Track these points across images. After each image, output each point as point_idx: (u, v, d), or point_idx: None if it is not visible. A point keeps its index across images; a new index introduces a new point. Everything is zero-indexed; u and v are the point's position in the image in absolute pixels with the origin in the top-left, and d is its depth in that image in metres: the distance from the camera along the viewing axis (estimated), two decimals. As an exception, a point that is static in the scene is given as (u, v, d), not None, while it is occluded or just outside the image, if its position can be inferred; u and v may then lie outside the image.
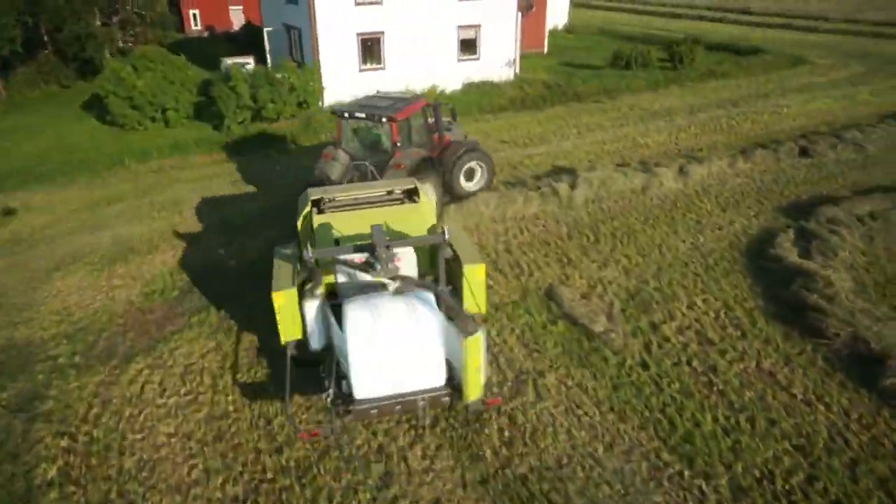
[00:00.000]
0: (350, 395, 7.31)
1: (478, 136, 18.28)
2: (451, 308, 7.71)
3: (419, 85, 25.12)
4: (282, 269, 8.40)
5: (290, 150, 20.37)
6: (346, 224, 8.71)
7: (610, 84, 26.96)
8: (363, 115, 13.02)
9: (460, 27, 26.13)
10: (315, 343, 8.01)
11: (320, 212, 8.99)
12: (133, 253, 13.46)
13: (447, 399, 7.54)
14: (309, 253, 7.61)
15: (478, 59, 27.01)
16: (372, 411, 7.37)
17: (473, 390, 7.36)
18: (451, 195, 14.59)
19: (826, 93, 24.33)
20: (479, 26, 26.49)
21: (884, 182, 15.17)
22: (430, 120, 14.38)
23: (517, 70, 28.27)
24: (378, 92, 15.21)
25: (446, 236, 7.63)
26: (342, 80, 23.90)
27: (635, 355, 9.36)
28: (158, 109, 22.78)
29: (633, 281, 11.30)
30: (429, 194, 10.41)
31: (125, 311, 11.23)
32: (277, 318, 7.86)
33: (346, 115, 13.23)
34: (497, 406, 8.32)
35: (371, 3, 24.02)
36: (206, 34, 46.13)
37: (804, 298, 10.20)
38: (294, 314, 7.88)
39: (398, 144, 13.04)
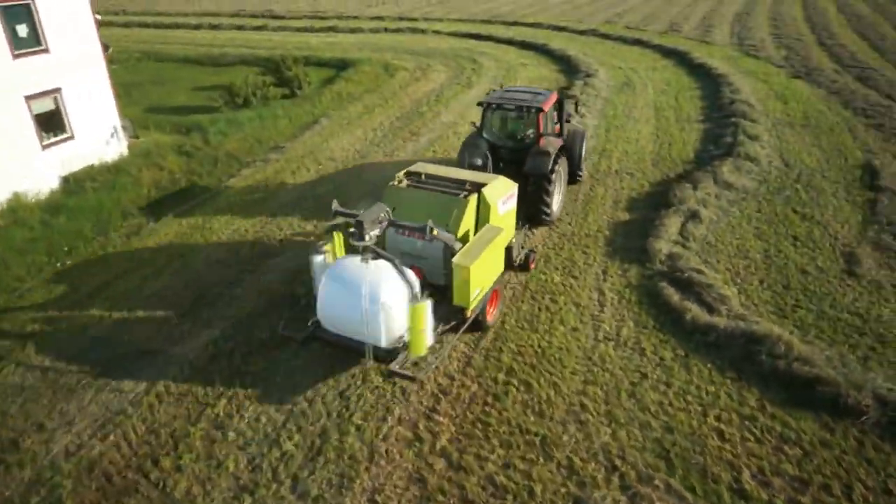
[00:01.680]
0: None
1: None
2: (405, 278, 9.15)
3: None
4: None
5: None
6: (406, 197, 10.67)
7: (256, 132, 21.89)
8: (512, 107, 14.24)
9: (30, 98, 16.80)
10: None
11: (399, 183, 11.06)
12: None
13: (385, 358, 9.21)
14: (335, 207, 9.80)
15: (72, 137, 18.11)
16: (331, 340, 9.64)
17: (416, 349, 9.02)
18: (573, 179, 16.39)
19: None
20: (59, 90, 17.56)
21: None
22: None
23: (130, 137, 20.29)
24: (505, 87, 16.03)
25: (427, 231, 9.17)
26: None
27: None
28: None
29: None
30: (492, 195, 10.89)
31: None
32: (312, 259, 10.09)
33: (494, 105, 14.39)
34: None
35: None
36: None
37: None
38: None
39: (543, 133, 14.33)
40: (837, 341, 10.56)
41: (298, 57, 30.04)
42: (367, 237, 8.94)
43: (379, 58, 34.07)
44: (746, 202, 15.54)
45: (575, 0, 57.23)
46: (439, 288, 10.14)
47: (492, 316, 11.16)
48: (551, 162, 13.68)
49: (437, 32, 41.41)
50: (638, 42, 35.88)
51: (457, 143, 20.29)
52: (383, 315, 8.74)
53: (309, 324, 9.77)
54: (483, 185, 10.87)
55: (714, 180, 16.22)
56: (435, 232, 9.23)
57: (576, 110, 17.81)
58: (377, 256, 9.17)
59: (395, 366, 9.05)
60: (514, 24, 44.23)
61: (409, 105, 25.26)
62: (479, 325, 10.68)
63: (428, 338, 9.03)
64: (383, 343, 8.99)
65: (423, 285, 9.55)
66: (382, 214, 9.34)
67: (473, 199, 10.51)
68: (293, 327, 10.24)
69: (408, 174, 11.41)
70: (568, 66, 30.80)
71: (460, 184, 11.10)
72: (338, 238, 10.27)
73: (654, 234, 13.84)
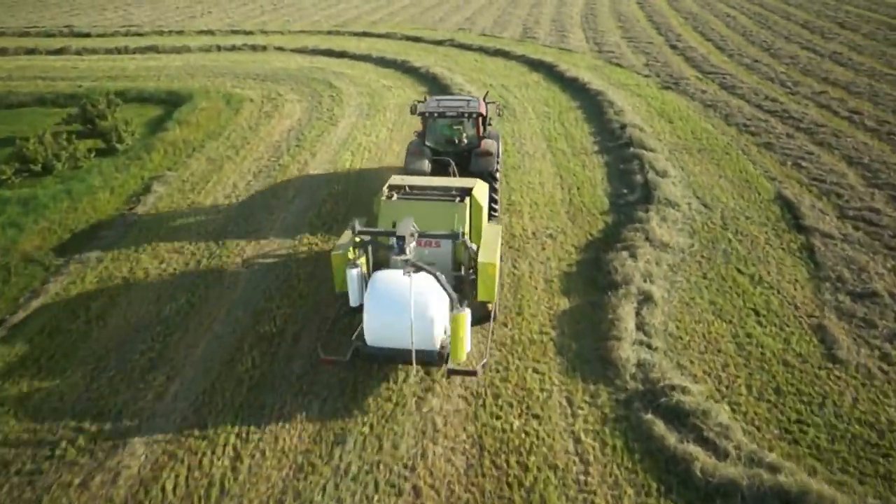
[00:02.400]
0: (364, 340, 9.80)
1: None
2: (446, 290, 9.57)
3: None
4: (344, 237, 11.06)
5: None
6: (403, 210, 10.80)
7: (64, 217, 16.42)
8: (454, 114, 15.08)
9: None
10: (353, 301, 10.25)
11: (388, 198, 11.41)
12: None
13: (438, 361, 9.77)
14: (357, 227, 10.15)
15: None
16: (377, 355, 9.91)
17: (458, 355, 9.53)
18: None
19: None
20: None
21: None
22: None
23: None
24: (433, 97, 17.11)
25: (460, 235, 10.23)
26: None
27: None
28: None
29: None
30: (480, 196, 11.49)
31: None
32: (333, 272, 10.60)
33: (435, 114, 15.08)
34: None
35: None
36: None
37: None
38: (342, 272, 10.33)
39: (482, 136, 15.31)
40: (866, 472, 8.71)
41: (113, 94, 24.14)
42: (407, 251, 9.41)
43: (217, 86, 28.86)
44: (687, 265, 13.64)
45: (421, 3, 54.61)
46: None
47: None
48: (495, 161, 14.81)
49: (280, 49, 36.53)
50: (500, 53, 33.90)
51: (338, 207, 16.61)
52: (433, 324, 9.29)
53: (353, 338, 10.24)
54: (468, 188, 11.63)
55: (647, 239, 14.16)
56: (465, 237, 10.35)
57: (499, 115, 18.03)
58: (418, 269, 9.46)
59: (451, 364, 9.75)
60: (365, 34, 40.44)
61: (265, 153, 20.88)
62: (487, 316, 11.24)
63: (467, 343, 9.64)
64: (435, 346, 9.55)
65: None
66: (412, 227, 9.78)
67: (467, 202, 11.25)
68: (329, 350, 10.71)
69: (390, 188, 11.95)
70: (436, 86, 27.94)
71: (446, 190, 11.88)
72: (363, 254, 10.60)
73: (609, 332, 11.33)
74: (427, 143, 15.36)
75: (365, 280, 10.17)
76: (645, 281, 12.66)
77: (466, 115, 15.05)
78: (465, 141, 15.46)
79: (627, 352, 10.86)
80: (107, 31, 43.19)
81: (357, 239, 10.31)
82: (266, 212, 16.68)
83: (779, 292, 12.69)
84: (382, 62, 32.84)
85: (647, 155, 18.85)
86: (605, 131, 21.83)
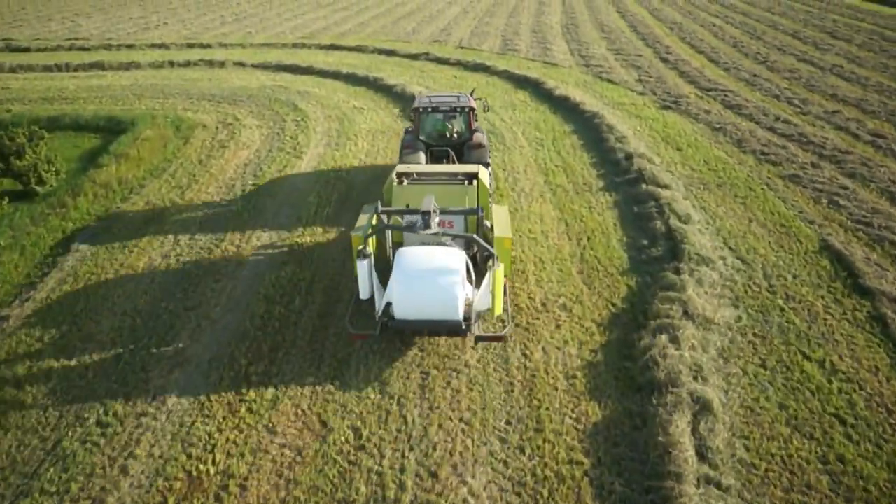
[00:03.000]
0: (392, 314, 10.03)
1: None
2: (485, 248, 10.04)
3: None
4: (362, 219, 11.43)
5: None
6: (415, 194, 11.40)
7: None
8: (447, 108, 15.71)
9: None
10: (363, 293, 10.30)
11: (399, 183, 11.89)
12: None
13: (463, 330, 9.97)
14: (380, 207, 10.86)
15: None
16: (404, 328, 10.18)
17: (497, 309, 10.10)
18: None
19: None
20: None
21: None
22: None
23: None
24: (424, 93, 19.44)
25: (480, 212, 10.86)
26: None
27: None
28: None
29: None
30: (487, 179, 12.27)
31: None
32: (353, 252, 10.50)
33: (429, 109, 15.71)
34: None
35: None
36: None
37: None
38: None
39: (474, 129, 15.92)
40: None
41: (38, 125, 20.60)
42: (433, 225, 9.89)
43: (166, 109, 25.47)
44: (740, 348, 10.88)
45: (393, 12, 51.62)
46: None
47: None
48: (487, 152, 15.48)
49: (240, 65, 33.15)
50: (481, 68, 31.10)
51: (302, 271, 13.51)
52: (457, 294, 9.55)
53: (379, 317, 10.20)
54: (473, 173, 12.09)
55: (686, 314, 11.37)
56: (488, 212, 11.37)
57: (485, 111, 18.23)
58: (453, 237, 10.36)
59: (478, 331, 10.28)
60: (333, 47, 37.27)
61: (216, 195, 17.65)
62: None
63: (501, 301, 10.10)
64: (460, 316, 9.72)
65: None
66: (434, 204, 10.08)
67: (476, 185, 11.77)
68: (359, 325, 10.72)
69: (399, 175, 12.13)
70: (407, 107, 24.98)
71: (453, 175, 12.28)
72: (371, 241, 10.73)
73: (662, 465, 8.48)
74: (420, 138, 15.82)
75: (373, 272, 10.35)
76: (696, 378, 9.85)
77: (458, 109, 15.72)
78: (457, 134, 16.01)
79: (688, 489, 8.04)
80: (49, 45, 39.15)
81: (375, 220, 11.08)
82: (211, 278, 13.49)
83: (860, 387, 10.01)
84: (353, 79, 29.74)
85: (663, 193, 16.16)
86: (609, 162, 19.11)
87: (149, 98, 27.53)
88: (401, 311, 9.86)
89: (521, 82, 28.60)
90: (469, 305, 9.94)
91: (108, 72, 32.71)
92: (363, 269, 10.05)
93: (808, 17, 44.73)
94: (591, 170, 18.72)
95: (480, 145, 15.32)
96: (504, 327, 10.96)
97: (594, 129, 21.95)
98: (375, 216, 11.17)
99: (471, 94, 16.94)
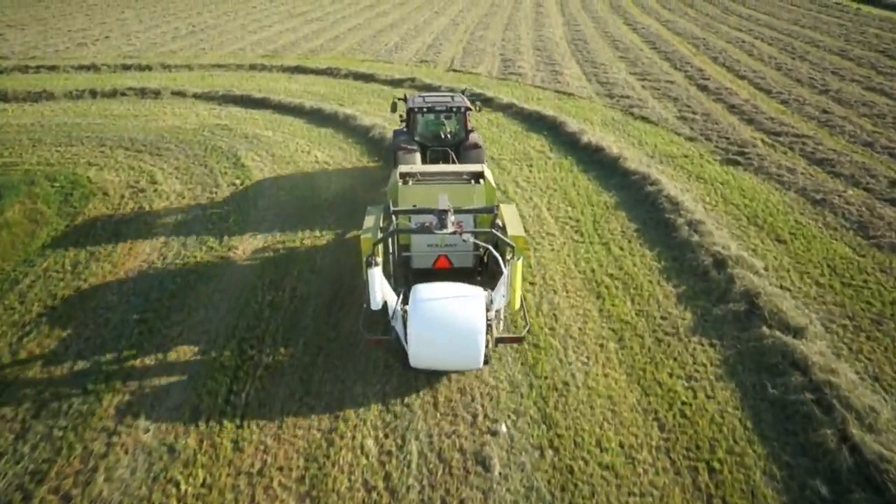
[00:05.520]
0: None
1: None
2: (504, 240, 9.36)
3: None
4: (368, 221, 10.61)
5: None
6: (422, 194, 10.82)
7: None
8: (442, 108, 14.94)
9: None
10: (374, 304, 8.97)
11: (405, 184, 11.16)
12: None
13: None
14: (392, 208, 10.51)
15: None
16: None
17: (515, 303, 9.10)
18: None
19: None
20: None
21: None
22: None
23: None
24: (416, 95, 16.74)
25: (496, 209, 10.53)
26: None
27: None
28: None
29: None
30: (491, 178, 11.49)
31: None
32: (362, 255, 9.45)
33: (424, 109, 14.89)
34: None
35: None
36: None
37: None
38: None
39: (469, 130, 15.14)
40: None
41: None
42: (449, 224, 9.11)
43: (65, 162, 18.55)
44: None
45: (372, 24, 44.62)
46: (467, 271, 10.70)
47: None
48: (484, 154, 14.90)
49: (179, 94, 26.10)
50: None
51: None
52: (480, 341, 8.73)
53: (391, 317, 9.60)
54: (478, 172, 11.54)
55: None
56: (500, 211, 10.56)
57: (478, 111, 16.53)
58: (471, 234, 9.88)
59: (498, 334, 9.60)
60: (299, 70, 30.21)
61: (84, 350, 10.80)
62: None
63: (519, 294, 9.26)
64: (481, 364, 8.99)
65: (452, 272, 10.46)
66: (449, 203, 9.44)
67: (483, 184, 11.12)
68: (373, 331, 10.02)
69: (402, 175, 11.49)
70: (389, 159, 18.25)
71: (457, 174, 11.67)
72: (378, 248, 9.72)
73: None
74: (416, 138, 15.13)
75: (384, 279, 9.28)
76: None
77: (454, 109, 15.00)
78: (452, 135, 15.29)
79: None
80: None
81: (383, 224, 10.61)
82: None
83: None
84: (318, 118, 22.77)
85: (805, 352, 9.55)
86: (689, 271, 12.41)
87: (49, 144, 20.46)
88: (417, 361, 9.02)
89: (534, 122, 21.93)
90: (488, 344, 9.09)
91: (8, 104, 25.44)
92: (374, 278, 8.84)
93: (845, 31, 38.48)
94: (664, 285, 12.07)
95: (477, 146, 14.75)
96: (524, 326, 9.99)
97: (648, 203, 15.37)
98: (384, 217, 10.79)
99: (463, 93, 16.51)
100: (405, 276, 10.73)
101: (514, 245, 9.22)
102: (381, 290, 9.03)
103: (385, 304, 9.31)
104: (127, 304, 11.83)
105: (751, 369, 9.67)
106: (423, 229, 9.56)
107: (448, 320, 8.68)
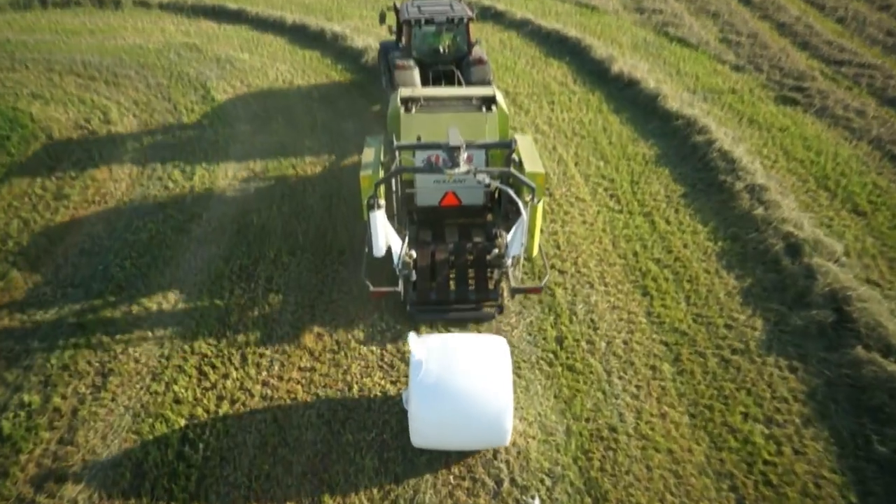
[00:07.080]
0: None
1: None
2: (524, 181, 7.97)
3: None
4: (368, 154, 9.12)
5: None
6: (428, 123, 9.33)
7: None
8: (442, 20, 13.02)
9: None
10: (377, 251, 8.03)
11: (407, 111, 9.59)
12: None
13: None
14: (395, 143, 8.72)
15: None
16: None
17: (533, 250, 8.48)
18: None
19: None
20: None
21: None
22: None
23: None
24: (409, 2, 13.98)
25: (514, 144, 8.84)
26: None
27: None
28: None
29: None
30: (504, 104, 10.06)
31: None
32: (362, 195, 8.33)
33: (422, 21, 12.97)
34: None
35: None
36: None
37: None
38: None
39: (472, 43, 13.41)
40: None
41: None
42: (461, 163, 7.76)
43: (6, 92, 15.49)
44: None
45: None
46: (477, 209, 9.71)
47: None
48: (490, 70, 13.35)
49: (143, 5, 22.18)
50: (490, 14, 20.47)
51: None
52: (506, 418, 6.60)
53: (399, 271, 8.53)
54: (489, 96, 10.00)
55: None
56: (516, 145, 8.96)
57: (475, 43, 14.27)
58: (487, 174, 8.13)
59: (514, 283, 8.61)
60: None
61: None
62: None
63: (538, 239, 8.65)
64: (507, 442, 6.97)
65: (460, 210, 9.54)
66: (460, 138, 7.92)
67: (495, 111, 9.71)
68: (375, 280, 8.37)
69: (403, 100, 9.85)
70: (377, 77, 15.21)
71: (466, 100, 10.13)
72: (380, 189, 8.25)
73: None
74: (413, 54, 13.19)
75: (387, 225, 8.12)
76: None
77: (455, 20, 13.15)
78: (451, 49, 13.48)
79: None
80: None
81: (384, 158, 9.16)
82: None
83: None
84: (303, 36, 19.18)
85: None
86: (755, 258, 9.85)
87: (-14, 67, 17.24)
88: (421, 441, 6.87)
89: (554, 44, 18.45)
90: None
91: (-56, 16, 21.67)
92: (376, 222, 7.75)
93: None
94: (725, 277, 9.63)
95: (482, 61, 13.20)
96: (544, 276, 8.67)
97: (696, 158, 12.61)
98: (385, 152, 9.21)
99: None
100: (409, 214, 9.52)
101: (533, 185, 7.89)
102: (384, 234, 8.00)
103: (389, 252, 8.25)
104: (61, 304, 9.45)
105: (847, 410, 7.49)
106: (432, 168, 8.20)
107: (464, 400, 6.50)
